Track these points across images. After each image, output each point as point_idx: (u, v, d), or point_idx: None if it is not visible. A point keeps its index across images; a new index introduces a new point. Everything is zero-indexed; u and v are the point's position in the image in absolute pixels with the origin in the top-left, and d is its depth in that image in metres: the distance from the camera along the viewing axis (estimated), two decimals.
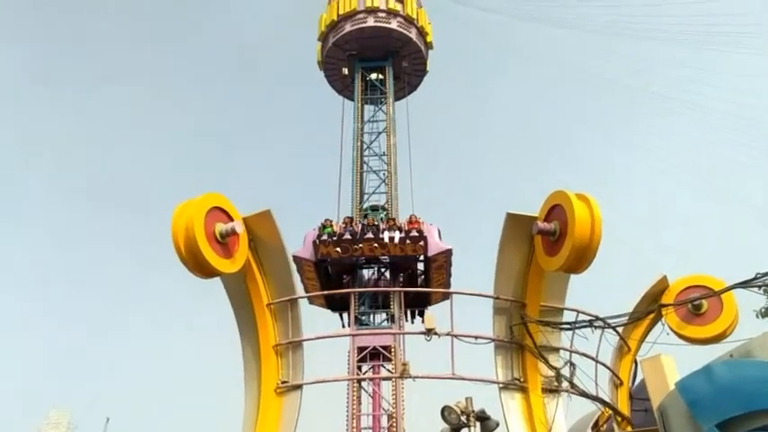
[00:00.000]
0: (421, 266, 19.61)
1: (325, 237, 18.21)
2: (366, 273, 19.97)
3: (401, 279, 19.88)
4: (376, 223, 18.90)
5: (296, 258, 18.09)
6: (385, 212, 21.02)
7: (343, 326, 19.81)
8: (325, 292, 18.75)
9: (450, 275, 19.45)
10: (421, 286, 19.71)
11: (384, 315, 18.86)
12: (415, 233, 18.26)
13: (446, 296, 19.31)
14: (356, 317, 18.40)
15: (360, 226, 18.86)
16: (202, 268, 12.62)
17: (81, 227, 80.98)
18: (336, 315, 20.10)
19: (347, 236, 18.25)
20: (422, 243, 18.21)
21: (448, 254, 18.71)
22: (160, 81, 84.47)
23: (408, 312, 19.96)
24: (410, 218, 18.89)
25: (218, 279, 13.83)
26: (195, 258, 12.37)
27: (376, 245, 18.12)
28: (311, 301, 19.75)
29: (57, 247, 77.39)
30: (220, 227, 12.88)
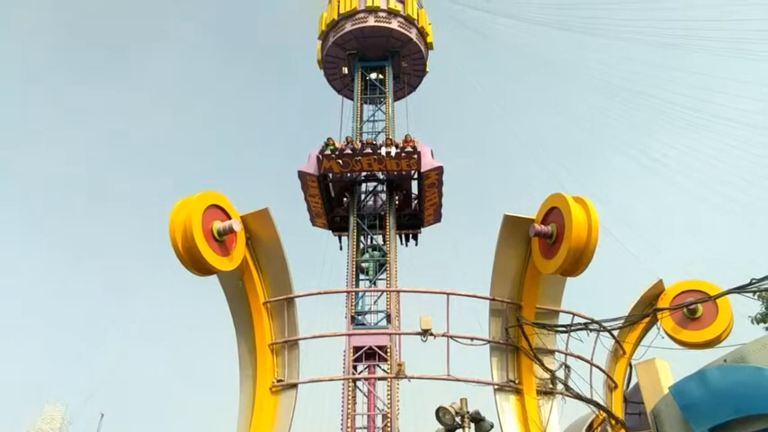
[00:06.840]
0: (415, 190, 21.19)
1: (327, 152, 19.85)
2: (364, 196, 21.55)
3: (397, 200, 21.32)
4: (375, 142, 20.64)
5: (301, 174, 20.18)
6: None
7: (341, 248, 21.56)
8: None
9: (441, 195, 20.99)
10: (415, 208, 21.59)
11: (381, 315, 18.87)
12: (409, 149, 19.88)
13: (438, 218, 21.76)
14: (352, 317, 18.42)
15: (360, 144, 20.51)
16: (199, 266, 12.63)
17: (79, 222, 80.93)
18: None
19: (348, 151, 19.87)
20: (415, 157, 19.71)
21: (440, 171, 20.28)
22: (159, 79, 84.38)
23: (402, 236, 21.82)
24: (405, 137, 20.64)
25: (215, 277, 13.83)
26: (192, 256, 12.39)
27: (374, 158, 19.69)
28: (314, 222, 21.64)
29: (54, 242, 77.33)
30: (218, 224, 12.89)
